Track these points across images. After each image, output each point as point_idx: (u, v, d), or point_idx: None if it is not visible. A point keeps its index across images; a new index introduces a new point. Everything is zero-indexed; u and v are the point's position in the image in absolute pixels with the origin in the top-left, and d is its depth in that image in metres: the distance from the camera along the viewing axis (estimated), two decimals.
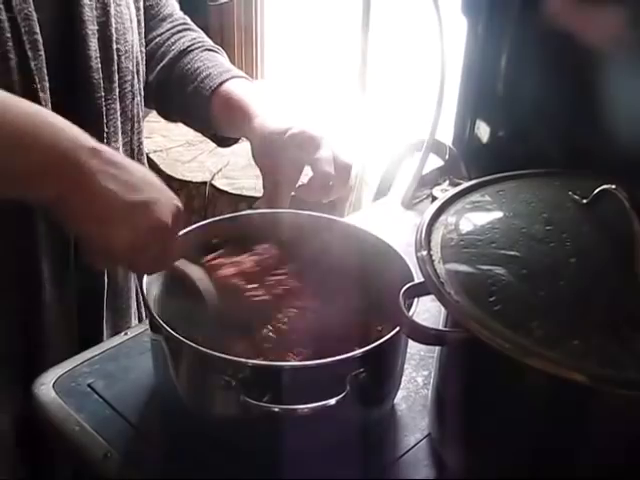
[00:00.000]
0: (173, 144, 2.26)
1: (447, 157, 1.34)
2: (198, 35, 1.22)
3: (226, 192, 2.06)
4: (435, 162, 1.37)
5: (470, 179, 0.94)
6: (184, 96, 1.14)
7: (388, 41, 2.49)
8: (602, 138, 1.04)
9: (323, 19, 2.74)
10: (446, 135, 1.33)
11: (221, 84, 1.11)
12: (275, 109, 1.06)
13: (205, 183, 2.10)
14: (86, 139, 0.79)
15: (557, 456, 0.73)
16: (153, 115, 2.33)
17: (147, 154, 2.18)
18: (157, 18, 1.20)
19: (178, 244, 0.86)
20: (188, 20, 1.24)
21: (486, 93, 1.22)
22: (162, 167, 2.15)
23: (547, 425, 0.73)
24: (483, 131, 1.27)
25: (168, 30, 1.20)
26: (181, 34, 1.20)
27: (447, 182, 1.36)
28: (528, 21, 1.12)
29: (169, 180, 2.13)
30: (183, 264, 0.91)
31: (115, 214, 0.78)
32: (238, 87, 1.11)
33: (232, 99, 1.10)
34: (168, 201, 0.82)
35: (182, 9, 1.27)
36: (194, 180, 2.11)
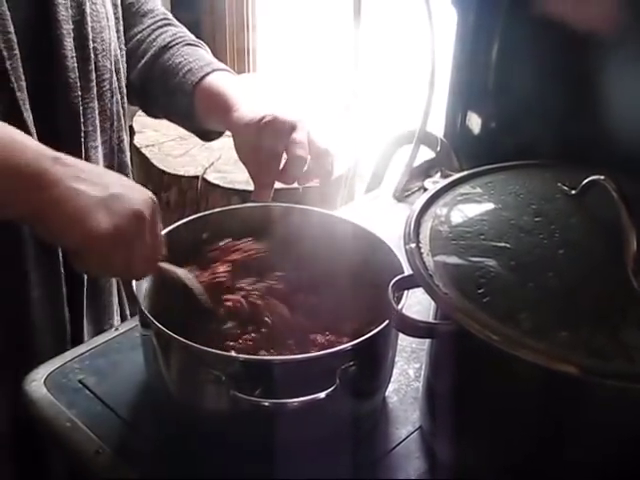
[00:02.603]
0: (165, 138, 2.25)
1: (438, 149, 1.34)
2: (179, 30, 1.21)
3: (218, 186, 2.05)
4: (427, 154, 1.37)
5: (461, 171, 0.94)
6: (167, 92, 1.14)
7: (379, 33, 2.49)
8: (593, 129, 1.04)
9: (315, 10, 2.73)
10: (437, 127, 1.32)
11: (203, 78, 1.11)
12: (254, 100, 1.05)
13: (197, 177, 2.10)
14: (47, 149, 0.79)
15: (548, 447, 0.73)
16: None
17: (139, 149, 2.18)
18: (138, 14, 1.19)
19: (162, 241, 0.86)
20: (169, 15, 1.24)
21: (477, 84, 1.22)
22: (154, 162, 2.15)
23: (537, 416, 0.74)
24: (474, 123, 1.27)
25: (149, 26, 1.19)
26: (162, 29, 1.19)
27: (439, 174, 1.36)
28: (519, 12, 1.12)
29: (161, 174, 2.12)
30: (169, 267, 0.91)
31: (87, 209, 0.78)
32: (219, 80, 1.11)
33: (213, 93, 1.09)
34: (141, 194, 0.82)
35: (174, 2, 1.27)
36: (186, 174, 2.10)
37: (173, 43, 1.17)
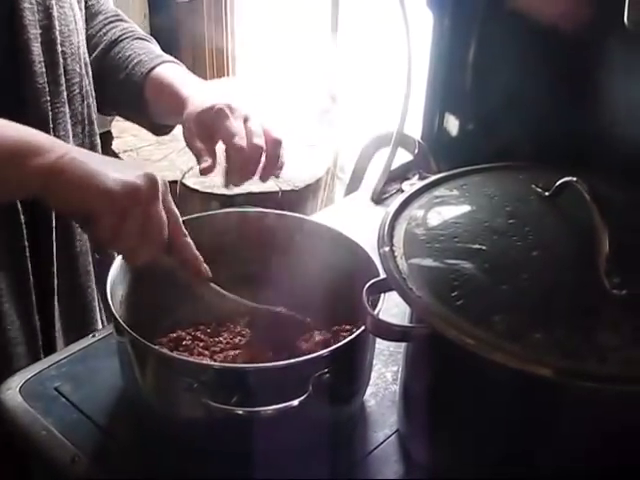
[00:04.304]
0: (143, 143, 2.25)
1: (416, 151, 1.34)
2: (129, 25, 1.21)
3: (197, 191, 2.05)
4: (405, 157, 1.37)
5: (439, 173, 0.94)
6: (117, 85, 1.13)
7: (356, 36, 2.49)
8: (570, 130, 1.04)
9: (293, 15, 2.73)
10: (415, 129, 1.32)
11: (152, 69, 1.10)
12: (205, 90, 1.04)
13: (176, 182, 2.09)
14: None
15: (524, 448, 0.73)
16: None
17: (117, 154, 2.18)
18: (91, 13, 1.19)
19: (164, 222, 0.84)
20: (120, 12, 1.23)
21: (454, 87, 1.22)
22: None
23: (513, 417, 0.73)
24: (452, 125, 1.27)
25: (100, 22, 1.19)
26: (112, 24, 1.19)
27: (416, 176, 1.36)
28: (494, 14, 1.12)
29: None
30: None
31: (94, 172, 0.78)
32: (169, 71, 1.10)
33: (163, 84, 1.09)
34: (146, 174, 0.82)
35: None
36: (165, 179, 2.10)
37: (123, 37, 1.16)
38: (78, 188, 0.78)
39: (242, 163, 0.95)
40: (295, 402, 0.75)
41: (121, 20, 1.21)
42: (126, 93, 1.12)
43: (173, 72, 1.10)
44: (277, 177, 1.00)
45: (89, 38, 1.17)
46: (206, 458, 0.83)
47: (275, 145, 0.97)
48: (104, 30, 1.17)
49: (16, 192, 0.85)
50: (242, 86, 2.58)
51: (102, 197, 0.78)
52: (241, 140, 0.95)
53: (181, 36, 2.85)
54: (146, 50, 1.14)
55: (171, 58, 1.14)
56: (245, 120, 0.97)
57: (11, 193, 0.86)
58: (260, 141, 0.95)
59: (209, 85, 1.08)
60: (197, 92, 1.04)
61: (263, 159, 0.96)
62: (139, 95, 1.10)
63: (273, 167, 0.98)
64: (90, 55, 1.16)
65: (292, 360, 0.78)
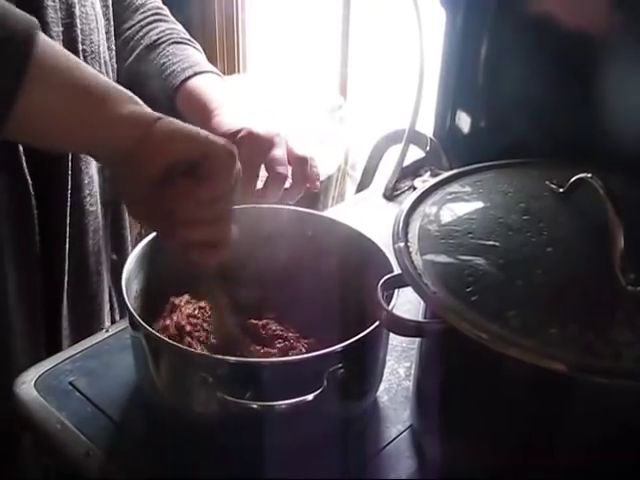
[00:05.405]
0: None
1: (428, 148, 1.34)
2: (168, 26, 1.18)
3: None
4: (416, 153, 1.37)
5: (451, 170, 0.94)
6: (151, 95, 1.10)
7: (368, 33, 2.49)
8: (583, 127, 1.04)
9: (304, 11, 2.73)
10: (427, 126, 1.33)
11: (184, 81, 1.09)
12: (231, 107, 1.04)
13: None
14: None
15: (538, 444, 0.73)
16: None
17: None
18: (129, 9, 1.17)
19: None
20: (162, 9, 1.21)
21: (466, 84, 1.22)
22: None
23: (527, 413, 0.74)
24: (464, 122, 1.27)
25: (138, 22, 1.17)
26: (150, 26, 1.16)
27: (428, 173, 1.36)
28: (507, 11, 1.12)
29: None
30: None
31: (201, 131, 0.79)
32: (200, 84, 1.09)
33: (194, 97, 1.08)
34: (225, 152, 0.80)
35: (164, 3, 1.24)
36: None
37: (160, 42, 1.14)
38: (187, 135, 0.77)
39: (265, 191, 0.97)
40: (310, 397, 0.75)
41: (161, 20, 1.18)
42: (160, 104, 1.09)
43: (204, 85, 1.09)
44: (314, 189, 1.00)
45: (126, 41, 1.15)
46: (219, 452, 0.83)
47: (300, 163, 0.98)
48: (141, 33, 1.15)
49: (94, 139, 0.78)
50: (256, 83, 2.57)
51: (217, 140, 0.78)
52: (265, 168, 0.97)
53: (192, 32, 2.85)
54: (181, 57, 1.12)
55: (207, 67, 1.12)
56: (270, 147, 0.97)
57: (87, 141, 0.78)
58: (283, 169, 0.96)
59: (238, 98, 1.07)
60: (225, 107, 1.03)
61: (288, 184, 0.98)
62: (172, 108, 1.09)
63: (299, 186, 0.98)
64: (126, 60, 1.15)
65: (306, 355, 0.79)
